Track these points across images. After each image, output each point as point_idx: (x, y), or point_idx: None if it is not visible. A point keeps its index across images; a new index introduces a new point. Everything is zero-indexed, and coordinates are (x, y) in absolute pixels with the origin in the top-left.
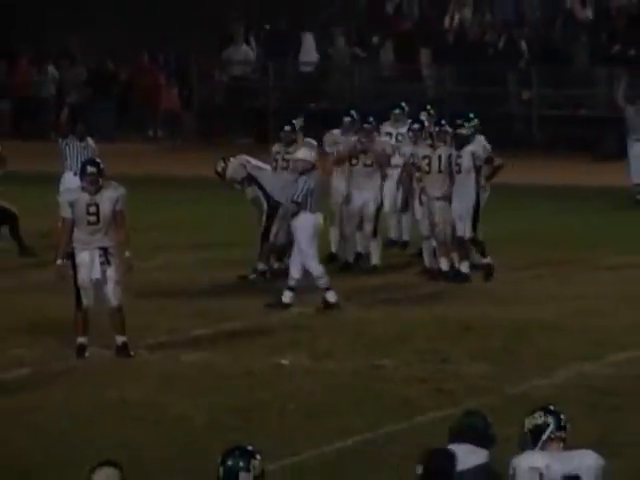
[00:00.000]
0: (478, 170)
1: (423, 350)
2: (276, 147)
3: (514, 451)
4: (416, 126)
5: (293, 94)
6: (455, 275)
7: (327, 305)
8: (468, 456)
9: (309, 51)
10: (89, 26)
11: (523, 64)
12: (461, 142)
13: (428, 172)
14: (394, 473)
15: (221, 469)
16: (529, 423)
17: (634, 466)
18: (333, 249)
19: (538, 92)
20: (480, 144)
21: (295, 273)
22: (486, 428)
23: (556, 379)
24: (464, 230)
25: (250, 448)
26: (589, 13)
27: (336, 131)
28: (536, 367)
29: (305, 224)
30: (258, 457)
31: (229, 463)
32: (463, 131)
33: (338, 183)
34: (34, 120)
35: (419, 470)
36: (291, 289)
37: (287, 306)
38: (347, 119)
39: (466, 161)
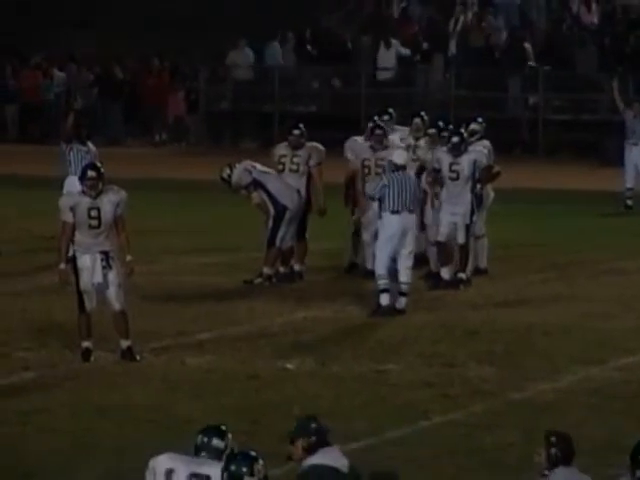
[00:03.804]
0: (476, 179)
1: (428, 354)
2: (282, 150)
3: (515, 457)
4: (433, 131)
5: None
6: (457, 282)
7: (378, 307)
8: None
9: (386, 57)
10: (96, 30)
11: (529, 68)
12: (458, 149)
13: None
14: (399, 477)
15: (225, 474)
16: None
17: None
18: (355, 259)
19: (544, 96)
20: (485, 149)
21: (403, 278)
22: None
23: (561, 383)
24: (463, 237)
25: (253, 453)
26: (595, 18)
27: (359, 138)
28: (541, 371)
29: (385, 224)
30: (261, 462)
31: (232, 468)
32: (455, 139)
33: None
34: (40, 124)
35: None
36: (402, 294)
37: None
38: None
39: (466, 169)
